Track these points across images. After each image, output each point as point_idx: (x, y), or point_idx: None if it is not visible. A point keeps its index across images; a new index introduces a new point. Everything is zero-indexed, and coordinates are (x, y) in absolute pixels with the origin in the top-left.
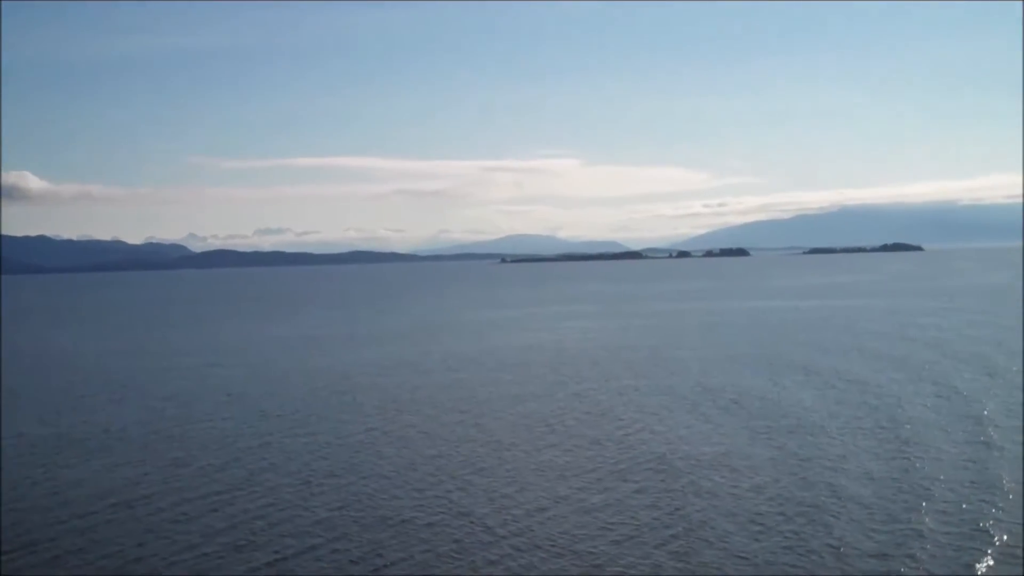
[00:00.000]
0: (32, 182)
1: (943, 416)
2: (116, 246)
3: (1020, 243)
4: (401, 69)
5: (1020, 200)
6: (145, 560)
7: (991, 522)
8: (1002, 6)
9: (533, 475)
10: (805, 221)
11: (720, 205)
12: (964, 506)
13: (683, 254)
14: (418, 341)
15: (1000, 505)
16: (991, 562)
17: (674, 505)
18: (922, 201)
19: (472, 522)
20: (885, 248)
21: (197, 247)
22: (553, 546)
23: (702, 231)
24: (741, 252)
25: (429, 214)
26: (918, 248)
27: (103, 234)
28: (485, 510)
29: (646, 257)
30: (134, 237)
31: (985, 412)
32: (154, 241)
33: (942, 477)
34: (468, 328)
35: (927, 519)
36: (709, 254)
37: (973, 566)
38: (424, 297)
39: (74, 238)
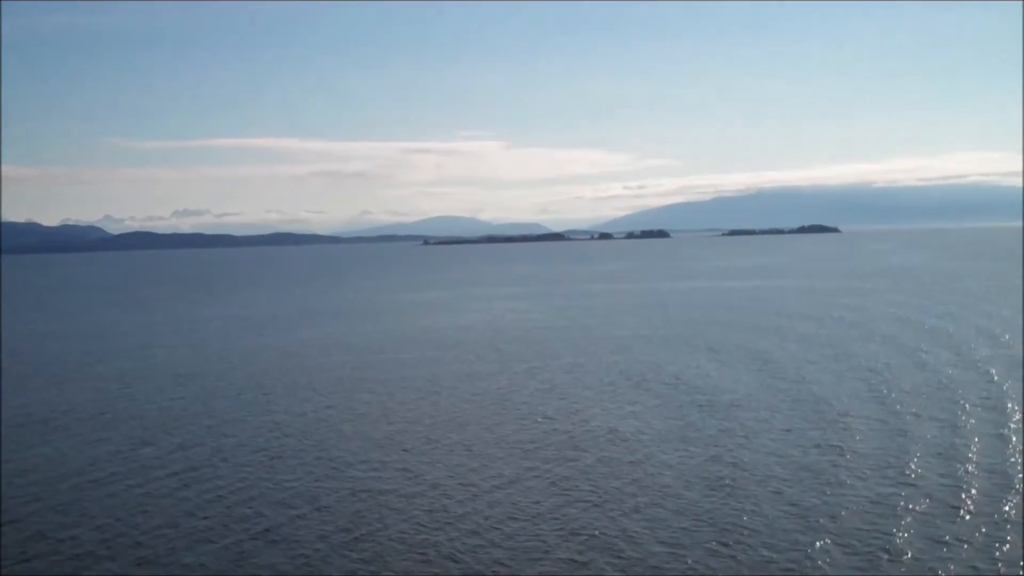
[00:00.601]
0: None
1: (859, 393)
2: (31, 228)
3: (932, 224)
4: (322, 50)
5: (932, 182)
6: (122, 540)
7: (904, 491)
8: None
9: (491, 450)
10: (723, 203)
11: (640, 187)
12: (878, 482)
13: (605, 236)
14: (355, 322)
15: (912, 475)
16: (906, 534)
17: (632, 476)
18: (838, 184)
19: (439, 493)
20: (803, 230)
21: (114, 229)
22: (513, 516)
23: (622, 213)
24: (662, 234)
25: (350, 196)
26: (835, 230)
27: (17, 216)
28: (449, 483)
29: (568, 239)
30: (49, 219)
31: (903, 389)
32: (70, 223)
33: (857, 453)
34: (404, 309)
35: (837, 494)
36: (630, 236)
37: (890, 539)
38: (353, 278)
39: None
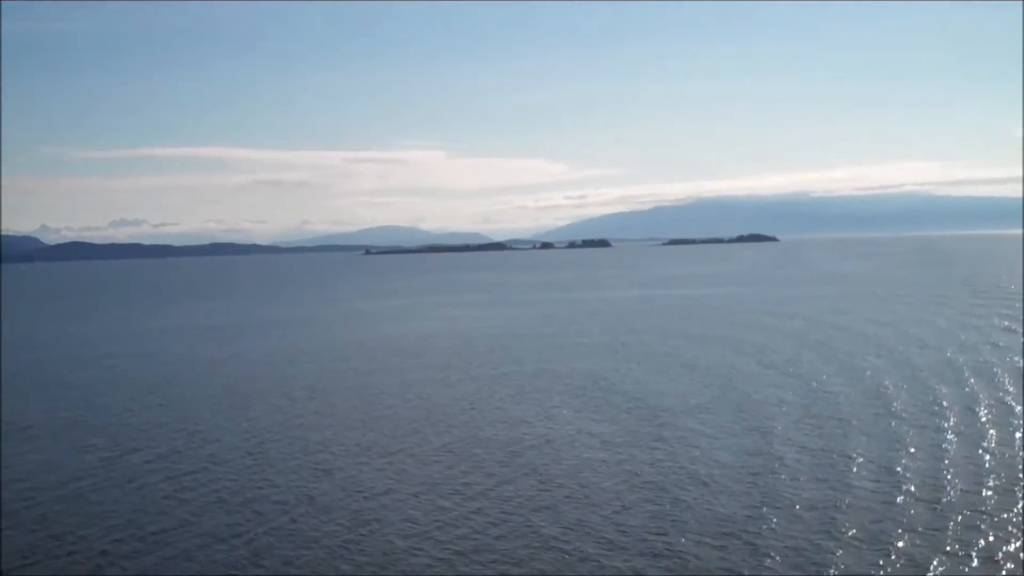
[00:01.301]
0: None
1: (797, 397)
2: None
3: (868, 233)
4: (263, 58)
5: (868, 192)
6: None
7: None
8: (854, 4)
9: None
10: (663, 213)
11: (581, 197)
12: (812, 486)
13: (547, 245)
14: (314, 331)
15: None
16: (841, 537)
17: (576, 482)
18: (777, 193)
19: (391, 499)
20: (742, 239)
21: (50, 239)
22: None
23: (563, 223)
24: (603, 243)
25: (291, 205)
26: (773, 239)
27: None
28: (399, 489)
29: (511, 248)
30: None
31: (842, 395)
32: (6, 233)
33: (796, 458)
34: (359, 318)
35: (773, 497)
36: (572, 245)
37: (833, 536)
38: (302, 288)
39: None
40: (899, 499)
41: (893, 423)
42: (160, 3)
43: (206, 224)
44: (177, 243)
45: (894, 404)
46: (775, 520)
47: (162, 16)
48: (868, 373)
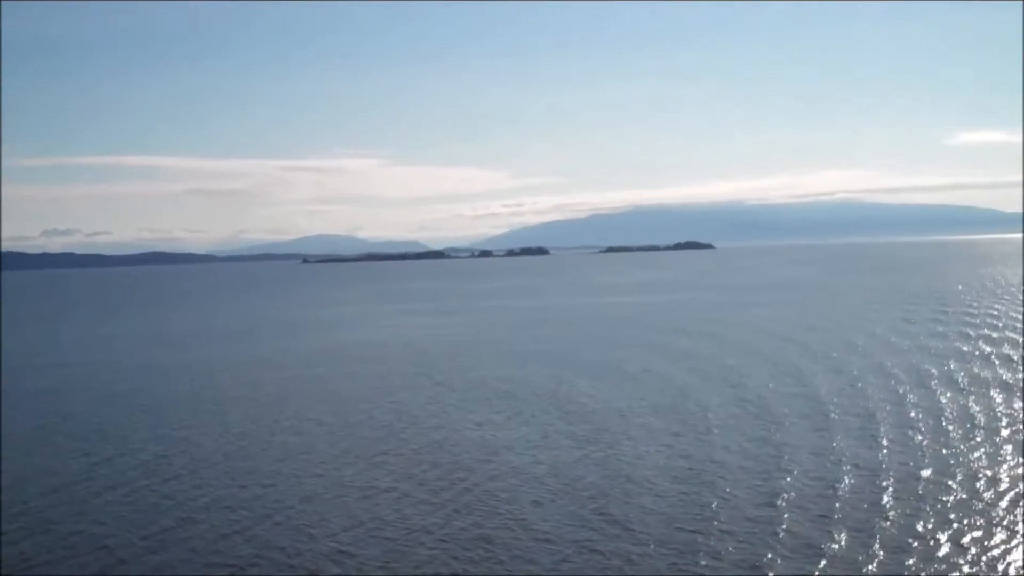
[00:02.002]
0: None
1: (734, 404)
2: None
3: (802, 241)
4: (199, 64)
5: (802, 200)
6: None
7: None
8: (791, 9)
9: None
10: (600, 220)
11: (518, 205)
12: (745, 490)
13: (485, 253)
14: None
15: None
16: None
17: (509, 486)
18: (712, 201)
19: (311, 507)
20: (679, 247)
21: None
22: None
23: (501, 231)
24: (541, 251)
25: (227, 214)
26: (709, 246)
27: None
28: (325, 494)
29: (449, 256)
30: None
31: (777, 400)
32: None
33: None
34: (309, 325)
35: (714, 502)
36: (511, 253)
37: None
38: (244, 297)
39: None
40: (834, 500)
41: (827, 425)
42: (84, 4)
43: (140, 233)
44: (111, 252)
45: (829, 407)
46: (711, 521)
47: (86, 20)
48: (804, 376)
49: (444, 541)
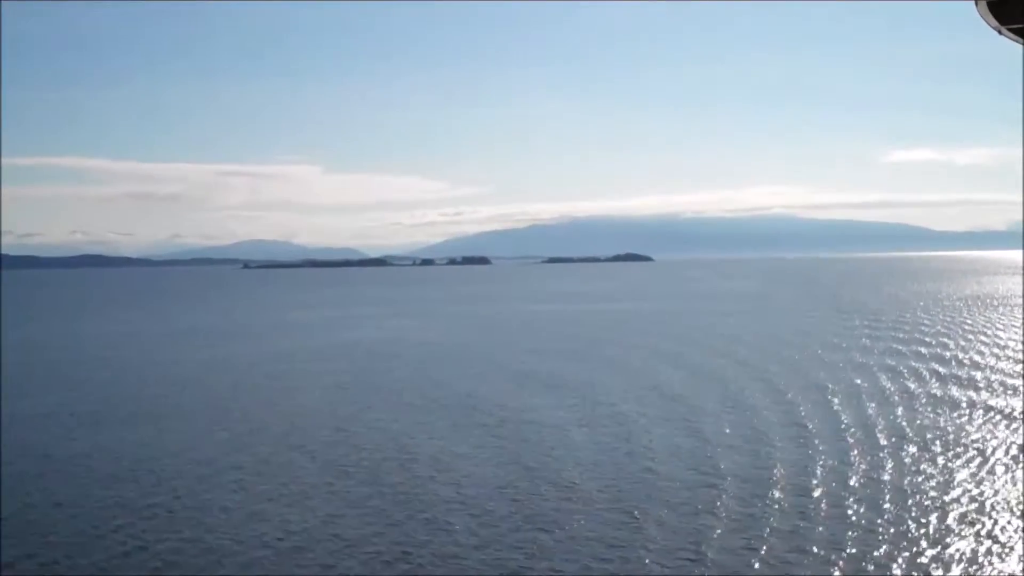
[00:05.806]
0: None
1: (664, 412)
2: None
3: (737, 254)
4: (132, 66)
5: (738, 214)
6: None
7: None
8: (730, 28)
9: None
10: (540, 231)
11: (456, 214)
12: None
13: (427, 262)
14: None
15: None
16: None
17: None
18: (649, 214)
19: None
20: (618, 258)
21: None
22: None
23: (439, 239)
24: (483, 260)
25: (161, 218)
26: (648, 258)
27: None
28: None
29: (390, 264)
30: None
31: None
32: None
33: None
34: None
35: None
36: (452, 262)
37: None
38: (201, 300)
39: None
40: (767, 505)
41: (761, 432)
42: (11, 4)
43: (72, 235)
44: (43, 254)
45: (764, 413)
46: (645, 525)
47: (17, 20)
48: (732, 381)
49: (366, 545)
